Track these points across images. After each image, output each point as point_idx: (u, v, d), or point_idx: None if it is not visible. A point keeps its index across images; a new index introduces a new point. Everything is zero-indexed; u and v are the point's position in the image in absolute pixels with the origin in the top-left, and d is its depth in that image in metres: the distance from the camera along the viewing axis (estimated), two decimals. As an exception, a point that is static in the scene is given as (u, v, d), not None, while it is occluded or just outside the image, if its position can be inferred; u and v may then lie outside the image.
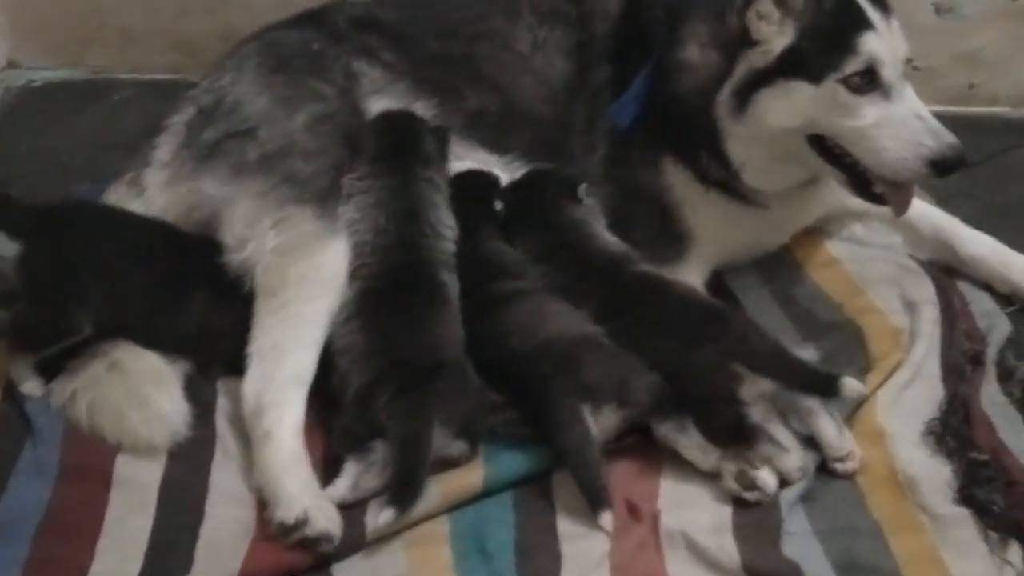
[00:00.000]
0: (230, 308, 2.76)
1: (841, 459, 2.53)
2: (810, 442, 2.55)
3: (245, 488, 2.56)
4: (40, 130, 3.94)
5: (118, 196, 3.05)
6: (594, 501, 2.44)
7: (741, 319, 2.85)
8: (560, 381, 2.53)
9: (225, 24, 3.93)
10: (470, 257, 2.85)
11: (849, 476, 2.53)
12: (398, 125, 2.99)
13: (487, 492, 2.54)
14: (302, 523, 2.40)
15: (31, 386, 2.75)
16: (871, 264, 3.08)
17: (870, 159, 2.78)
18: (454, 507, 2.51)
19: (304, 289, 2.71)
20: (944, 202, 3.23)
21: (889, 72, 2.74)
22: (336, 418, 2.60)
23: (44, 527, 2.48)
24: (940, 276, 3.05)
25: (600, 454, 2.50)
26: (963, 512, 2.44)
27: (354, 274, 2.77)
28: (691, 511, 2.47)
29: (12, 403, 2.75)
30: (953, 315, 2.89)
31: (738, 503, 2.48)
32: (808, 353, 2.80)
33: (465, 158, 3.08)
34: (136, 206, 3.00)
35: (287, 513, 2.41)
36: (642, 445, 2.58)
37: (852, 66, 2.72)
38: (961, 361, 2.79)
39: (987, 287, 3.06)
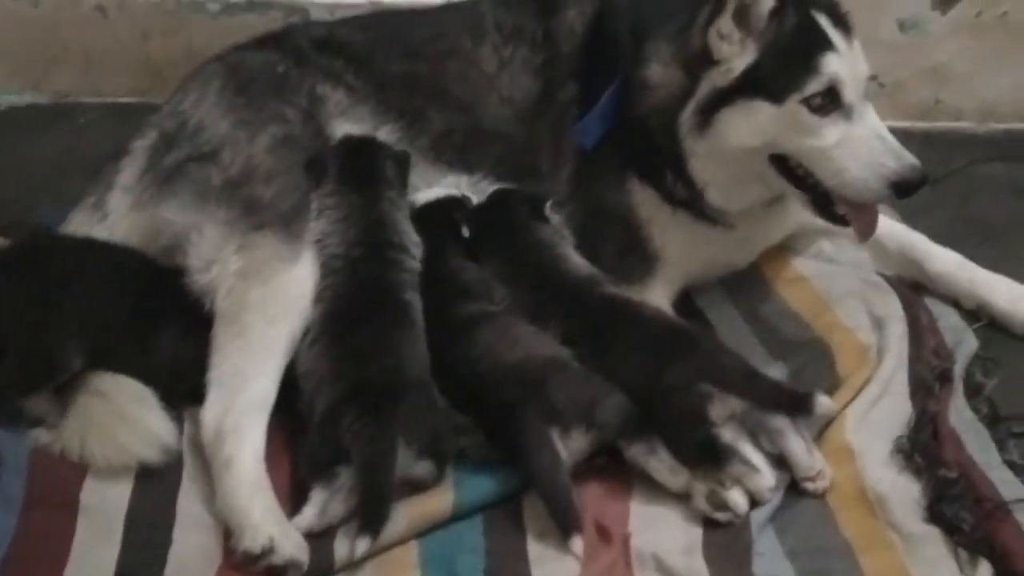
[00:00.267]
0: (203, 339, 2.72)
1: (811, 478, 2.53)
2: (780, 461, 2.54)
3: (211, 515, 2.53)
4: (3, 153, 3.90)
5: (81, 219, 3.03)
6: (564, 526, 2.43)
7: (710, 338, 2.85)
8: (528, 405, 2.51)
9: (188, 46, 3.91)
10: (436, 277, 2.84)
11: (819, 495, 2.53)
12: (360, 151, 2.97)
13: (456, 516, 2.52)
14: (268, 551, 2.39)
15: (38, 433, 2.68)
16: (839, 281, 3.07)
17: (832, 180, 2.77)
18: (423, 532, 2.49)
19: (265, 313, 2.69)
20: (910, 217, 3.24)
21: (850, 92, 2.74)
22: (302, 444, 2.58)
23: (10, 556, 2.45)
24: (907, 292, 3.05)
25: (569, 478, 2.48)
26: (932, 530, 2.45)
27: (319, 296, 2.75)
28: (661, 532, 2.47)
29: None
30: (921, 331, 2.89)
31: (708, 524, 2.47)
32: (777, 371, 2.80)
33: (433, 181, 3.06)
34: (99, 230, 2.97)
35: (252, 542, 2.40)
36: (611, 467, 2.57)
37: (813, 86, 2.72)
38: (929, 377, 2.79)
39: (954, 303, 3.07)
